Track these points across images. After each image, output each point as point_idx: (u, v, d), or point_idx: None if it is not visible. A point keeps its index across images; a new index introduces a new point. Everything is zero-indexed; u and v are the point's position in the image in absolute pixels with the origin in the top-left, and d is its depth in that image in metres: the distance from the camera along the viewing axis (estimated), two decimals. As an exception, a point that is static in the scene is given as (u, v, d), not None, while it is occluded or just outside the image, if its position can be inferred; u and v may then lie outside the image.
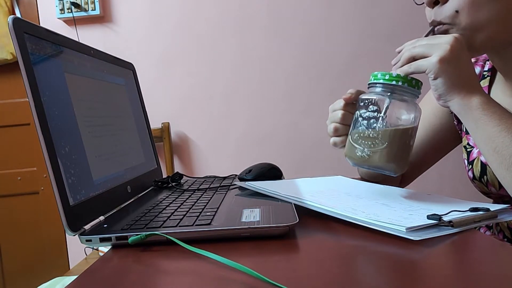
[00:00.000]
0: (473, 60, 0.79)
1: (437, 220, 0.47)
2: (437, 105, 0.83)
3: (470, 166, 0.75)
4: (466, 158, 0.77)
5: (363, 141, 0.58)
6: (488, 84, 0.76)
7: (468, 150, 0.77)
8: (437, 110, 0.83)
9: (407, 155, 0.59)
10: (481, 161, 0.72)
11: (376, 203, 0.58)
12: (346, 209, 0.53)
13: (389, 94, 0.58)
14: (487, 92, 0.75)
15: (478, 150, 0.74)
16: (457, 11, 0.61)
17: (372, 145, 0.57)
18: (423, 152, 0.85)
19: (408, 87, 0.57)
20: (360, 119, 0.60)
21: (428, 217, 0.48)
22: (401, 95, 0.58)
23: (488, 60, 0.78)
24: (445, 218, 0.48)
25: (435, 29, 0.64)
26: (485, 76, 0.77)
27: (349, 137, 0.61)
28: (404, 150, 0.58)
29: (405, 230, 0.44)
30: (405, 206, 0.55)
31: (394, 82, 0.57)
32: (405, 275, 0.37)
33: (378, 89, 0.59)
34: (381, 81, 0.58)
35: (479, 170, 0.73)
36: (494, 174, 0.59)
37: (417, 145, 0.85)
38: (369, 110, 0.59)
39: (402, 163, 0.59)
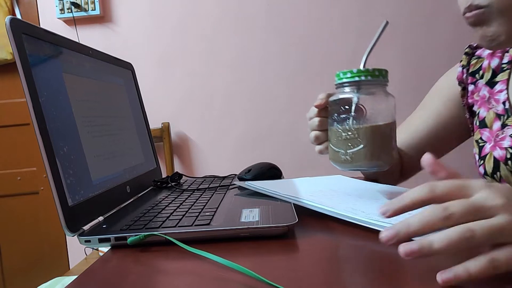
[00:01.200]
0: (489, 52, 0.76)
1: (437, 220, 0.47)
2: (448, 96, 0.81)
3: (482, 161, 0.72)
4: (478, 153, 0.74)
5: (342, 144, 0.58)
6: (508, 77, 0.72)
7: (480, 145, 0.74)
8: (448, 101, 0.81)
9: (390, 147, 0.58)
10: (494, 157, 0.69)
11: (376, 203, 0.57)
12: (346, 209, 0.53)
13: (355, 91, 0.57)
14: (506, 85, 0.72)
15: (491, 145, 0.71)
16: None
17: (351, 146, 0.57)
18: (430, 144, 0.82)
19: (372, 79, 0.56)
20: (334, 123, 0.59)
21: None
22: (367, 89, 0.57)
23: (507, 52, 0.74)
24: (445, 218, 0.47)
25: (472, 13, 0.59)
26: (504, 68, 0.74)
27: (329, 142, 0.61)
28: (385, 144, 0.58)
29: (404, 230, 0.44)
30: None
31: (357, 78, 0.56)
32: (405, 275, 0.36)
33: (344, 89, 0.59)
34: (344, 80, 0.57)
35: (492, 167, 0.70)
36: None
37: (424, 136, 0.83)
38: (340, 111, 0.58)
39: (386, 157, 0.58)
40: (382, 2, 1.68)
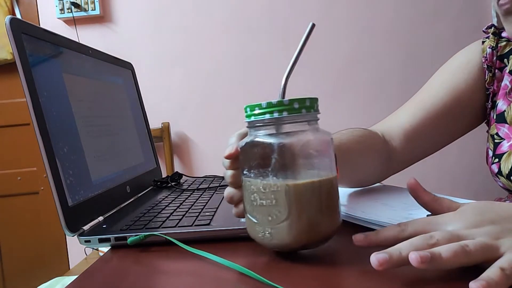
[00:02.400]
0: None
1: (437, 220, 0.46)
2: (469, 72, 0.70)
3: (496, 159, 0.66)
4: (492, 149, 0.68)
5: (258, 214, 0.40)
6: None
7: (496, 141, 0.67)
8: (470, 78, 0.70)
9: (330, 213, 0.41)
10: None
11: (376, 203, 0.57)
12: (346, 209, 0.53)
13: (271, 134, 0.41)
14: None
15: (510, 143, 0.64)
16: None
17: (270, 218, 0.39)
18: (435, 128, 0.71)
19: (292, 115, 0.40)
20: (247, 180, 0.41)
21: (428, 216, 0.48)
22: (288, 130, 0.40)
23: None
24: (445, 218, 0.47)
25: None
26: None
27: (244, 208, 0.43)
28: (322, 210, 0.40)
29: (404, 230, 0.44)
30: (405, 206, 0.55)
31: (267, 116, 0.40)
32: (405, 275, 0.36)
33: (256, 130, 0.42)
34: (253, 118, 0.42)
35: (510, 168, 0.63)
36: None
37: (429, 119, 0.70)
38: (252, 164, 0.41)
39: (324, 230, 0.40)
40: (382, 2, 1.68)
